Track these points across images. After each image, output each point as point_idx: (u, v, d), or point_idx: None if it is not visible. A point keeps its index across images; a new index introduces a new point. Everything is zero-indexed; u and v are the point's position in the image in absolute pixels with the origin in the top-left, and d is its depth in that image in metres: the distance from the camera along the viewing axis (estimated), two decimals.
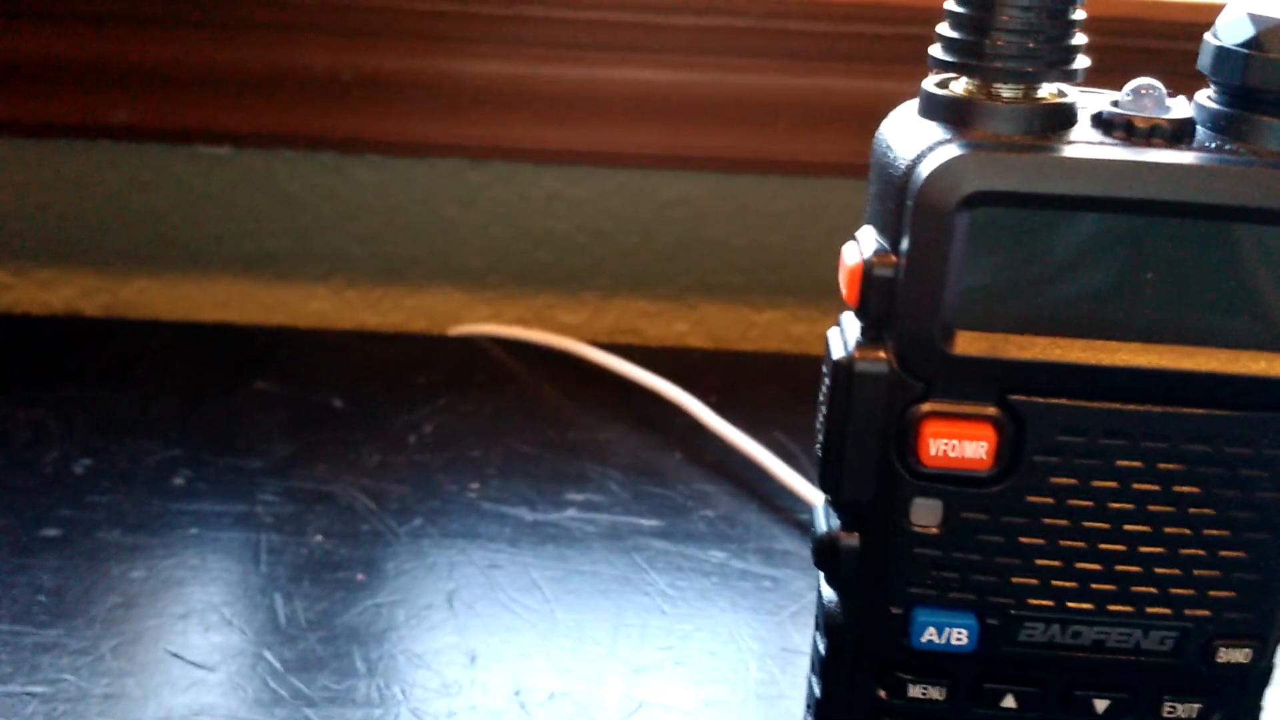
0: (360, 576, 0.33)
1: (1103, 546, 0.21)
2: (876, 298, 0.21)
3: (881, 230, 0.21)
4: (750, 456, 0.39)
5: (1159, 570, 0.21)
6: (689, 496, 0.37)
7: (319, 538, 0.35)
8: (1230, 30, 0.20)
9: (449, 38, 0.46)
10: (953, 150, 0.19)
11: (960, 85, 0.21)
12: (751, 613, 0.33)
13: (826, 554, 0.22)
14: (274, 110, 0.46)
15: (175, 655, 0.30)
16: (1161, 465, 0.20)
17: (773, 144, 0.47)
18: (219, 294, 0.50)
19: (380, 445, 0.39)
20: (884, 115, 0.22)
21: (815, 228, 0.49)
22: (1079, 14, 0.20)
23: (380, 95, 0.46)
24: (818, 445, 0.22)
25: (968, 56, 0.20)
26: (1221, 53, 0.20)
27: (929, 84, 0.21)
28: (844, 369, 0.21)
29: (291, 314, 0.50)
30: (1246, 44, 0.20)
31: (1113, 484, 0.21)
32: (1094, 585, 0.21)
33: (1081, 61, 0.20)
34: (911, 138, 0.20)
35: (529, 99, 0.47)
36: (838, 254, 0.22)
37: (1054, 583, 0.21)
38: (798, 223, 0.49)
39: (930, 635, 0.22)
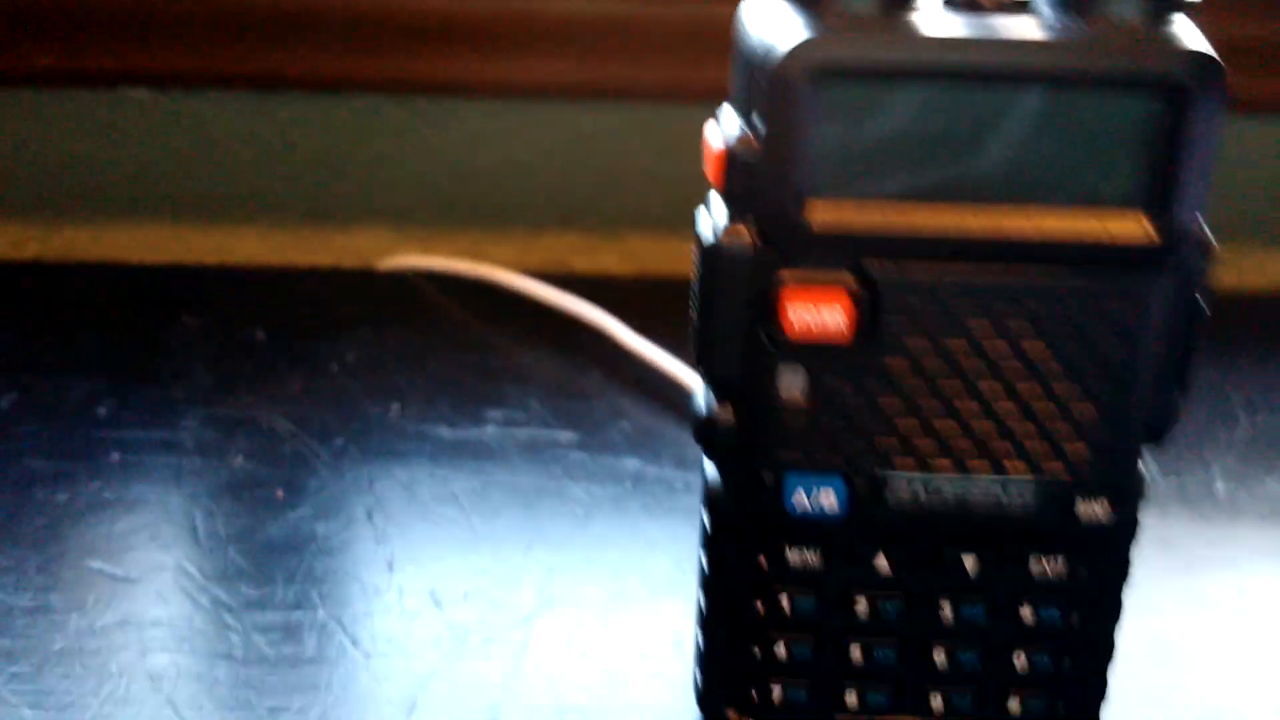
0: (280, 494, 0.34)
1: (959, 405, 0.22)
2: (738, 177, 0.21)
3: (741, 110, 0.22)
4: (669, 374, 0.40)
5: (1014, 427, 0.22)
6: (607, 412, 0.38)
7: (240, 459, 0.35)
8: None
9: None
10: (801, 29, 0.20)
11: None
12: (666, 514, 0.34)
13: (704, 429, 0.23)
14: (193, 51, 0.46)
15: (98, 570, 0.31)
16: (1011, 323, 0.21)
17: (694, 73, 0.48)
18: (147, 239, 0.50)
19: (303, 373, 0.40)
20: None
21: None
22: None
23: (300, 32, 0.46)
24: (692, 325, 0.23)
25: None
26: None
27: None
28: (710, 248, 0.22)
29: (220, 256, 0.50)
30: None
31: (965, 344, 0.21)
32: (953, 444, 0.22)
33: None
34: (766, 18, 0.21)
35: (450, 32, 0.47)
36: None
37: (915, 443, 0.22)
38: None
39: (801, 500, 0.23)
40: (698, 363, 0.23)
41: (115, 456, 0.35)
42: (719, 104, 0.23)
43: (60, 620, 0.30)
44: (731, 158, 0.21)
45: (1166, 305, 0.21)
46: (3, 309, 0.44)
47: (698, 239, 0.22)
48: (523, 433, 0.37)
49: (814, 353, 0.22)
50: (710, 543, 0.24)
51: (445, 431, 0.37)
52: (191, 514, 0.33)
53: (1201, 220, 0.21)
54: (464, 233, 0.51)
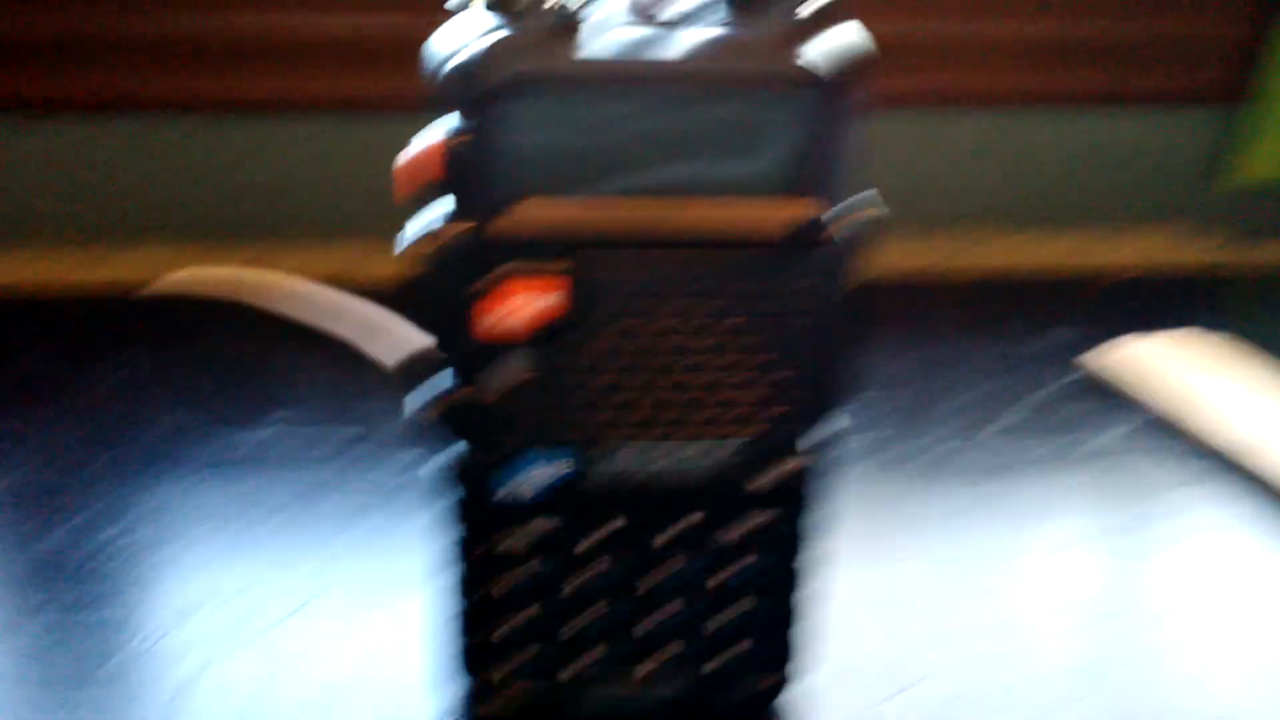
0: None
1: (663, 379, 0.24)
2: (452, 179, 0.23)
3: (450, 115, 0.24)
4: None
5: (713, 396, 0.25)
6: (387, 408, 0.40)
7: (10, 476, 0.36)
8: None
9: None
10: (494, 46, 0.22)
11: None
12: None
13: (438, 417, 0.25)
14: None
15: None
16: (698, 302, 0.24)
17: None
18: None
19: (70, 394, 0.40)
20: None
21: None
22: None
23: (72, 55, 0.47)
24: (426, 316, 0.25)
25: None
26: None
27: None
28: (431, 247, 0.24)
29: None
30: None
31: (662, 322, 0.24)
32: (662, 417, 0.25)
33: None
34: (462, 36, 0.23)
35: (206, 52, 0.48)
36: None
37: (629, 418, 0.25)
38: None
39: (525, 479, 0.25)
40: (438, 350, 0.25)
41: None
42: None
43: None
44: (446, 160, 0.23)
45: (821, 283, 0.24)
46: None
47: (425, 237, 0.24)
48: (303, 431, 0.38)
49: (531, 337, 0.24)
50: (448, 519, 0.26)
51: (224, 433, 0.38)
52: None
53: (851, 206, 0.24)
54: (236, 250, 0.51)
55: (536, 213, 0.23)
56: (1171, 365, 0.42)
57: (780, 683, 0.28)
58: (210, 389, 0.41)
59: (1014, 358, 0.44)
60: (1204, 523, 0.36)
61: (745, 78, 0.23)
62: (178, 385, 0.41)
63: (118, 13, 0.47)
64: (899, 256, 0.53)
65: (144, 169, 0.50)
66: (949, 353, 0.44)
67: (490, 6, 0.23)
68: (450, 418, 0.25)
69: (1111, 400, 0.41)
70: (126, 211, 0.50)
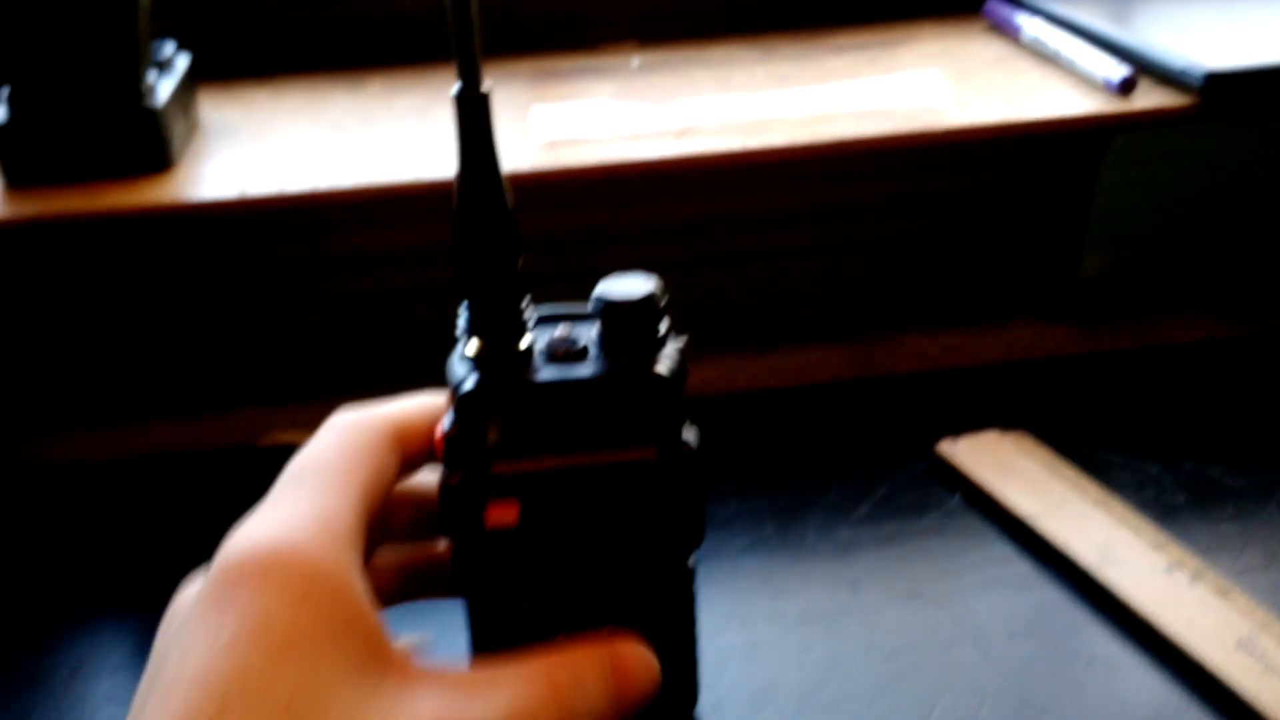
0: None
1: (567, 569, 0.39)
2: (451, 453, 0.36)
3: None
4: None
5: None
6: None
7: None
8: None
9: None
10: (467, 378, 0.35)
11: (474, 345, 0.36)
12: None
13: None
14: None
15: None
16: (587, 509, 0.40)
17: None
18: None
19: None
20: None
21: None
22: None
23: None
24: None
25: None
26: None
27: (461, 349, 0.36)
28: (442, 488, 0.37)
29: None
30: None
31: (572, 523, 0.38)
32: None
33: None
34: (459, 366, 0.36)
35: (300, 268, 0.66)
36: None
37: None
38: None
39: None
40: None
41: None
42: None
43: None
44: (445, 443, 0.35)
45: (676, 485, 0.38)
46: None
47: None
48: None
49: (503, 532, 0.38)
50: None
51: None
52: None
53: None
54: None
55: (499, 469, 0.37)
56: (979, 459, 0.58)
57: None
58: None
59: (870, 455, 0.60)
60: (987, 577, 0.52)
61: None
62: None
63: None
64: (782, 372, 0.71)
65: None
66: (822, 455, 0.61)
67: (470, 356, 0.36)
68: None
69: (937, 487, 0.58)
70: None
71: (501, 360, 0.36)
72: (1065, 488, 0.56)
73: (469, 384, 0.35)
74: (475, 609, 0.38)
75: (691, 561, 0.40)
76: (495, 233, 0.36)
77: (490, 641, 0.38)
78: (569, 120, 0.67)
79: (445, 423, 0.36)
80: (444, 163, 0.63)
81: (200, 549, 0.34)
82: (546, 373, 0.36)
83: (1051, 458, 0.58)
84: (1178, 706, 0.45)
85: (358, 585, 0.33)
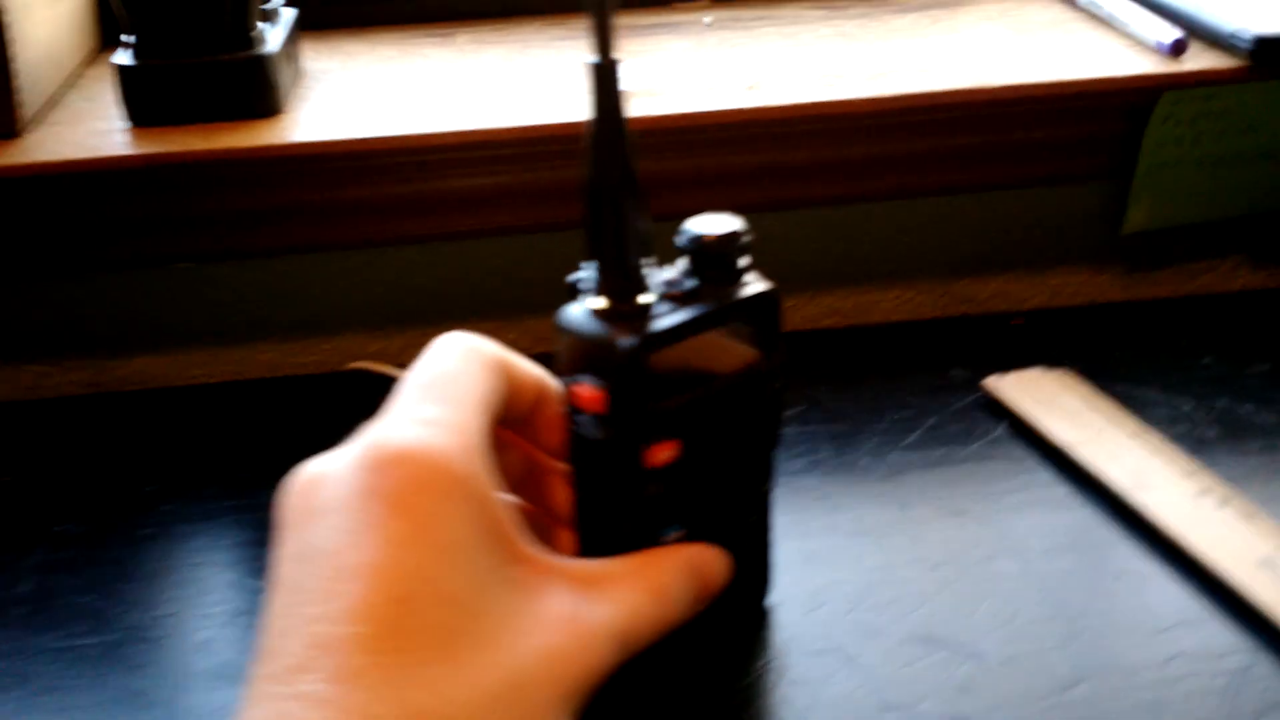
0: None
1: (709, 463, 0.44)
2: (607, 404, 0.38)
3: (593, 375, 0.39)
4: None
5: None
6: None
7: None
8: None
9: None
10: (614, 332, 0.38)
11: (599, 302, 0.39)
12: None
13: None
14: (221, 234, 0.70)
15: None
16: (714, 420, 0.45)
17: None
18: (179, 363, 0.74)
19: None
20: None
21: None
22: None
23: (289, 216, 0.71)
24: None
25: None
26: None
27: (586, 303, 0.38)
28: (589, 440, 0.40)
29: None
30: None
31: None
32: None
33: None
34: (595, 327, 0.39)
35: (393, 208, 0.71)
36: None
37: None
38: None
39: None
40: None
41: None
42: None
43: None
44: (603, 399, 0.38)
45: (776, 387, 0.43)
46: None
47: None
48: None
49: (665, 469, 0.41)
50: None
51: None
52: None
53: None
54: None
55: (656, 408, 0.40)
56: (1024, 393, 0.63)
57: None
58: None
59: (924, 390, 0.65)
60: (1027, 499, 0.57)
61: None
62: None
63: (343, 185, 0.70)
64: (839, 313, 0.75)
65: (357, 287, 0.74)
66: (876, 389, 0.65)
67: (596, 313, 0.39)
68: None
69: (984, 418, 0.62)
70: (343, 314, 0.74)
71: (633, 313, 0.39)
72: (1103, 420, 0.60)
73: (628, 339, 0.38)
74: (624, 542, 0.40)
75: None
76: (625, 197, 0.38)
77: (603, 546, 0.41)
78: (646, 73, 0.71)
79: (594, 379, 0.38)
80: (530, 110, 0.68)
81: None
82: (676, 315, 0.39)
83: (1092, 393, 0.62)
84: (1199, 615, 0.50)
85: (495, 490, 0.36)
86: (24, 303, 0.73)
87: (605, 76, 0.37)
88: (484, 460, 0.37)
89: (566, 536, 0.43)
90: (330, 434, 0.62)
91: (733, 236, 0.42)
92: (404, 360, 0.75)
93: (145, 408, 0.69)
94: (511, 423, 0.42)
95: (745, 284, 0.42)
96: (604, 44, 0.37)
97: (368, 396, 0.66)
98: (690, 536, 0.43)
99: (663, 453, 0.41)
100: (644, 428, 0.40)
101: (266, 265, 0.73)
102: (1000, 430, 0.62)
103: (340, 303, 0.75)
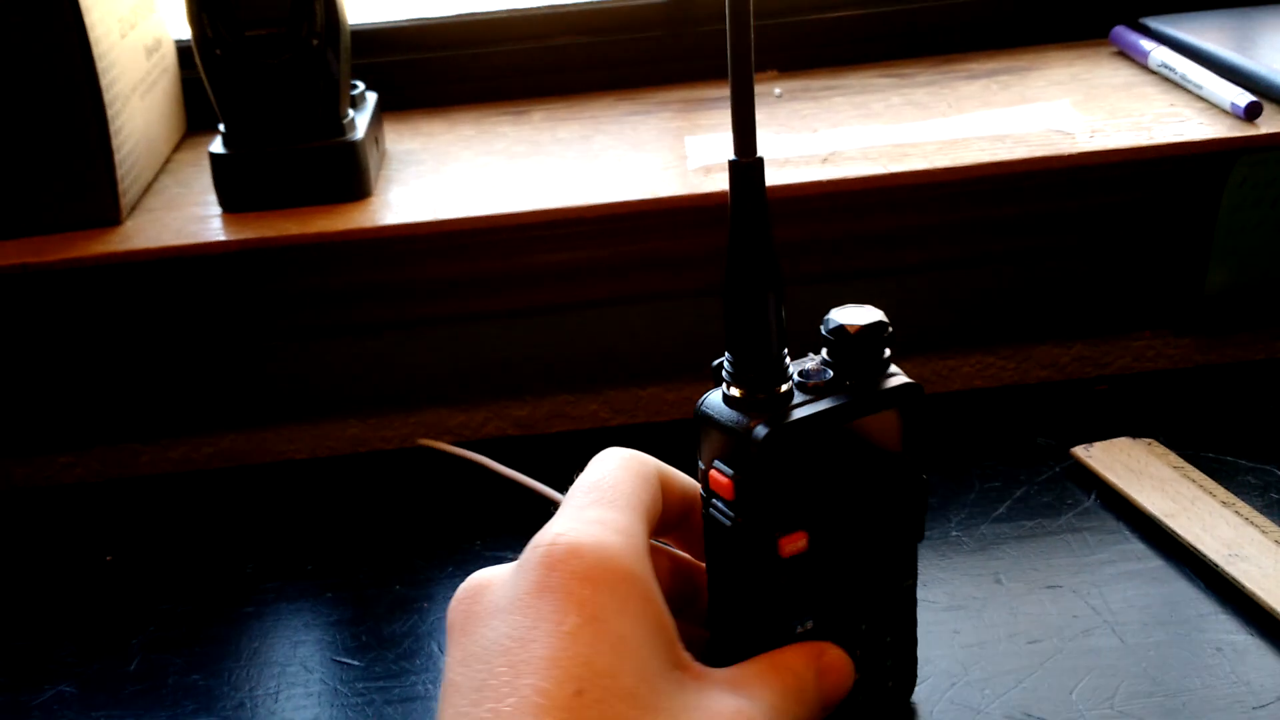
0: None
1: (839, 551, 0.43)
2: (740, 493, 0.39)
3: (727, 462, 0.39)
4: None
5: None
6: None
7: None
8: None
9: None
10: (754, 422, 0.38)
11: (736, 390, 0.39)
12: None
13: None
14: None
15: None
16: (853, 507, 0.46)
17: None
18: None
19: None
20: None
21: None
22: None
23: (396, 295, 0.72)
24: None
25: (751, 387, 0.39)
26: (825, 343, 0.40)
27: (725, 391, 0.39)
28: (729, 527, 0.40)
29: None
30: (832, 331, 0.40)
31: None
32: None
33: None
34: (723, 410, 0.39)
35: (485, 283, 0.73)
36: None
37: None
38: None
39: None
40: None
41: None
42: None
43: None
44: (735, 485, 0.38)
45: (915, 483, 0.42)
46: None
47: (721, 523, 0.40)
48: None
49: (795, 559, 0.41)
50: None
51: None
52: None
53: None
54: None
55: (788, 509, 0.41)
56: (1112, 463, 0.63)
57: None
58: None
59: (1011, 459, 0.65)
60: (1121, 570, 0.57)
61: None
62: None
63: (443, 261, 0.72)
64: (920, 380, 0.75)
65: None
66: (962, 459, 0.66)
67: (733, 400, 0.39)
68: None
69: (1073, 488, 0.62)
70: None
71: (769, 402, 0.39)
72: (1194, 489, 0.60)
73: (763, 429, 0.39)
74: (758, 633, 0.41)
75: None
76: (767, 289, 0.39)
77: (739, 650, 0.41)
78: (721, 148, 0.73)
79: (725, 467, 0.39)
80: (606, 188, 0.69)
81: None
82: (812, 406, 0.40)
83: (1180, 462, 0.62)
84: None
85: (659, 591, 0.37)
86: (120, 382, 0.75)
87: (747, 174, 0.38)
88: (648, 562, 0.37)
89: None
90: (409, 509, 0.65)
91: (876, 328, 0.42)
92: (485, 433, 0.78)
93: (238, 484, 0.71)
94: (665, 530, 0.43)
95: (887, 376, 0.42)
96: (746, 143, 0.38)
97: (437, 471, 0.68)
98: (822, 627, 0.43)
99: (794, 543, 0.41)
100: (774, 517, 0.40)
101: (354, 343, 0.75)
102: (1090, 501, 0.62)
103: (424, 378, 0.76)
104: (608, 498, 0.38)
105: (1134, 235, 0.75)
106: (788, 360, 0.41)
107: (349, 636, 0.57)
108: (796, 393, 0.40)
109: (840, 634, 0.43)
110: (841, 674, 0.42)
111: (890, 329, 0.42)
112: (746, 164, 0.38)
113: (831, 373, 0.41)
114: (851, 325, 0.41)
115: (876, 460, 0.42)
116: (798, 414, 0.40)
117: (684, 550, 0.45)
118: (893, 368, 0.43)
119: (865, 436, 0.42)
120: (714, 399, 0.40)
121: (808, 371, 0.41)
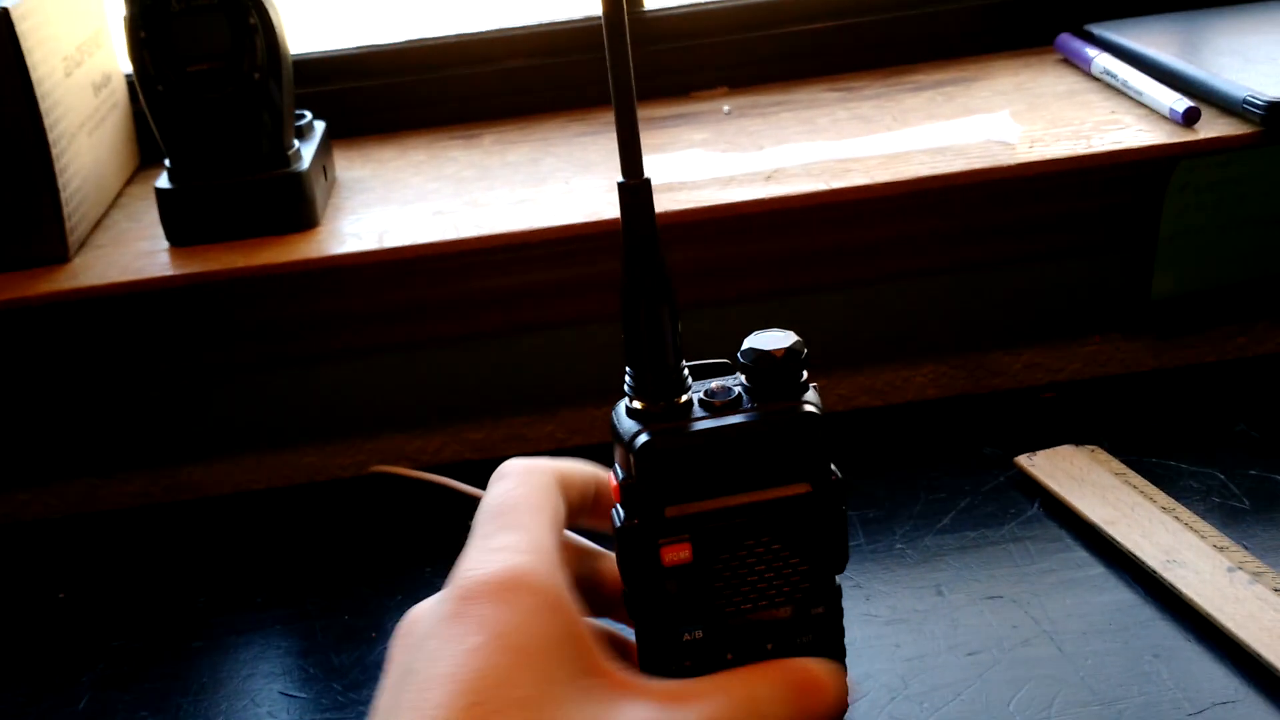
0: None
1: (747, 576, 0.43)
2: (627, 498, 0.39)
3: (620, 468, 0.39)
4: None
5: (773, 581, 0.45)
6: None
7: None
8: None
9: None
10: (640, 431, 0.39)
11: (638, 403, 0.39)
12: None
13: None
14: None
15: None
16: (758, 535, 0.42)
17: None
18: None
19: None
20: None
21: None
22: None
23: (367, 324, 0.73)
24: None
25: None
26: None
27: (626, 404, 0.39)
28: (620, 529, 0.41)
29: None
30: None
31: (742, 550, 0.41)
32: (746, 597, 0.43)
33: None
34: (628, 426, 0.39)
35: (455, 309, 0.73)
36: None
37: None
38: None
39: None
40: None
41: None
42: None
43: None
44: (622, 490, 0.39)
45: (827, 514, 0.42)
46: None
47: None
48: None
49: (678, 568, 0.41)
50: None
51: None
52: None
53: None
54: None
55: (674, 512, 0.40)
56: (1055, 471, 0.63)
57: None
58: None
59: (957, 469, 0.65)
60: (1062, 579, 0.57)
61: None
62: None
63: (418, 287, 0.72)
64: (870, 392, 0.76)
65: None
66: (909, 470, 0.66)
67: (633, 412, 0.39)
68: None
69: (1017, 497, 0.63)
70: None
71: (666, 414, 0.40)
72: (1135, 496, 0.60)
73: (643, 438, 0.39)
74: (650, 636, 0.42)
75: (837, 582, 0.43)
76: (659, 305, 0.40)
77: (662, 665, 0.41)
78: (668, 168, 0.73)
79: (619, 473, 0.40)
80: (556, 212, 0.69)
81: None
82: (707, 421, 0.40)
83: (1122, 468, 0.63)
84: (1235, 695, 0.50)
85: (572, 602, 0.38)
86: (76, 418, 0.75)
87: (635, 195, 0.39)
88: (560, 574, 0.38)
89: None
90: (361, 537, 0.65)
91: (791, 352, 0.42)
92: (442, 458, 0.78)
93: (193, 517, 0.71)
94: (576, 519, 0.44)
95: (800, 402, 0.42)
96: (632, 164, 0.39)
97: (391, 498, 0.68)
98: (716, 640, 0.43)
99: (676, 553, 0.42)
100: (656, 524, 0.40)
101: (308, 371, 0.76)
102: (1033, 509, 0.62)
103: (379, 405, 0.77)
104: (510, 521, 0.39)
105: (1080, 242, 0.76)
106: (687, 374, 0.41)
107: (297, 669, 0.57)
108: (699, 408, 0.41)
109: (741, 649, 0.44)
110: (826, 694, 0.42)
111: (805, 354, 0.42)
112: (634, 185, 0.39)
113: (739, 391, 0.42)
114: (759, 349, 0.42)
115: (779, 484, 0.43)
116: (691, 428, 0.40)
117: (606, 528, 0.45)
118: (810, 394, 0.43)
119: (766, 460, 0.42)
120: (620, 409, 0.42)
121: (713, 390, 0.42)
